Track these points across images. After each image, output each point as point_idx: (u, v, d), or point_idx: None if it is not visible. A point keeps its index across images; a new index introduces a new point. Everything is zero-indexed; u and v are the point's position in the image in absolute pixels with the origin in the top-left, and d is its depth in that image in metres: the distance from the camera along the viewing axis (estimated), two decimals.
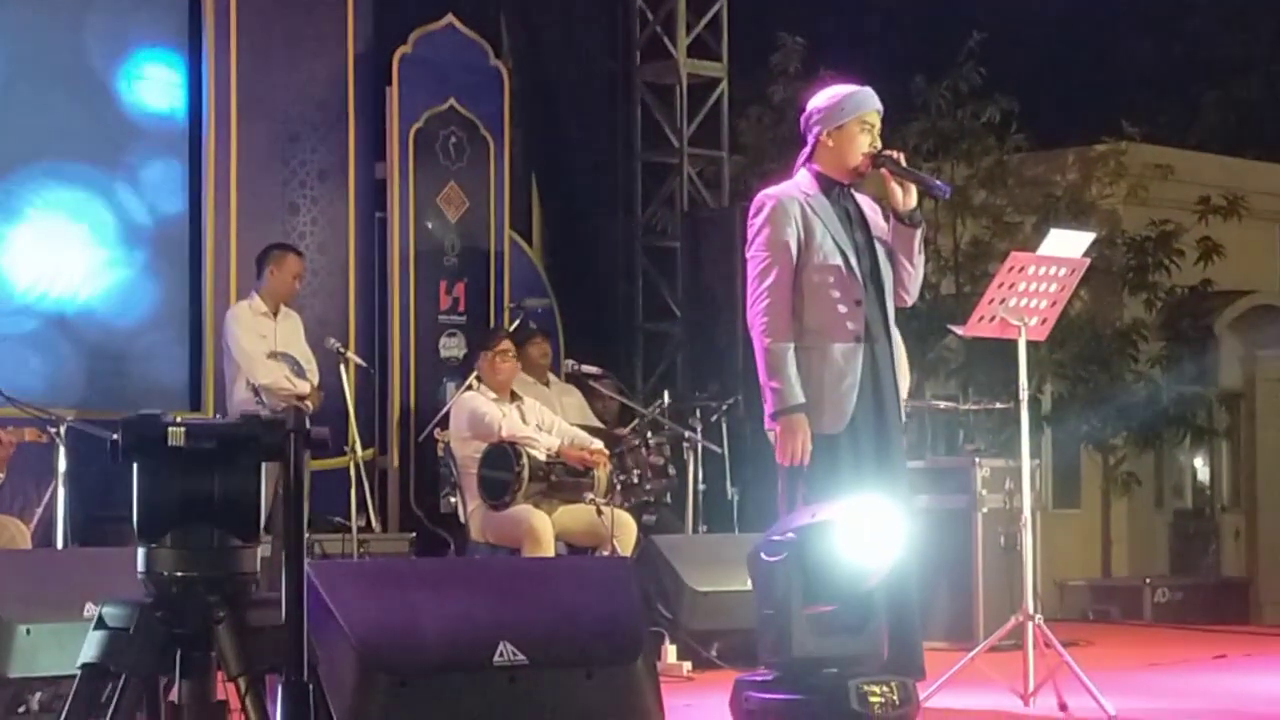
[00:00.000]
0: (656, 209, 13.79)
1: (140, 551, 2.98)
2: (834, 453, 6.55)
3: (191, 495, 2.93)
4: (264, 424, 2.91)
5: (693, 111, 13.74)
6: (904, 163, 6.72)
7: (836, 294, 6.60)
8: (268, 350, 10.26)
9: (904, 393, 9.52)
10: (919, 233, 6.73)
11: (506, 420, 9.78)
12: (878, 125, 6.77)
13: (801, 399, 6.53)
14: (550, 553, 9.36)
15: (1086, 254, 7.43)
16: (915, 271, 6.75)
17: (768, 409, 6.62)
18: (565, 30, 13.46)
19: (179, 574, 2.96)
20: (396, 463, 12.00)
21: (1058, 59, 22.05)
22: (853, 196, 6.82)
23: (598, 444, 10.02)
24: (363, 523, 10.34)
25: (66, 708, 2.94)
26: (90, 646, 2.98)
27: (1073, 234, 7.59)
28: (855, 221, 6.74)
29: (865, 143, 6.71)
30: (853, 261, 6.63)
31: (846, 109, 6.72)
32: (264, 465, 3.01)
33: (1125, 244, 15.48)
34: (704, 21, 13.76)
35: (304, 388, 10.24)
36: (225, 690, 3.02)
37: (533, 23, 13.17)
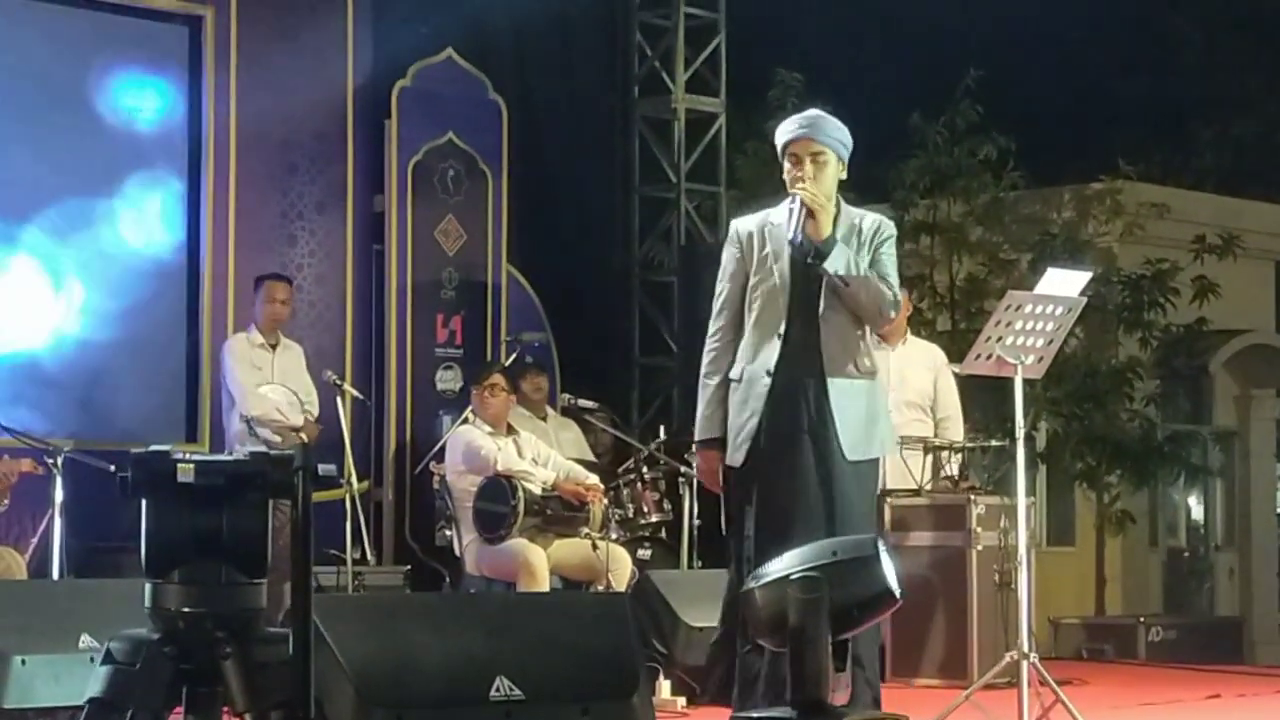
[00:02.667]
0: (654, 244, 13.83)
1: (147, 587, 2.99)
2: (744, 485, 6.62)
3: (200, 531, 2.94)
4: (272, 461, 2.92)
5: (690, 146, 13.78)
6: (798, 208, 6.56)
7: (764, 323, 6.60)
8: (261, 382, 10.27)
9: (919, 430, 9.48)
10: (832, 268, 6.62)
11: (501, 454, 9.78)
12: (805, 152, 6.60)
13: (709, 434, 6.68)
14: (545, 587, 9.35)
15: (1083, 293, 7.45)
16: (866, 304, 6.58)
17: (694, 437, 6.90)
18: (564, 65, 13.49)
19: (186, 610, 2.96)
20: (392, 495, 11.99)
21: (1055, 97, 22.12)
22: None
23: (593, 479, 10.02)
24: (358, 555, 10.33)
25: None
26: (97, 681, 2.97)
27: (1070, 273, 7.60)
28: (809, 250, 6.62)
29: (792, 171, 6.67)
30: (787, 290, 6.58)
31: (779, 140, 6.74)
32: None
33: (1121, 282, 15.52)
34: (702, 57, 13.82)
35: (296, 420, 10.24)
36: None
37: (531, 57, 13.20)
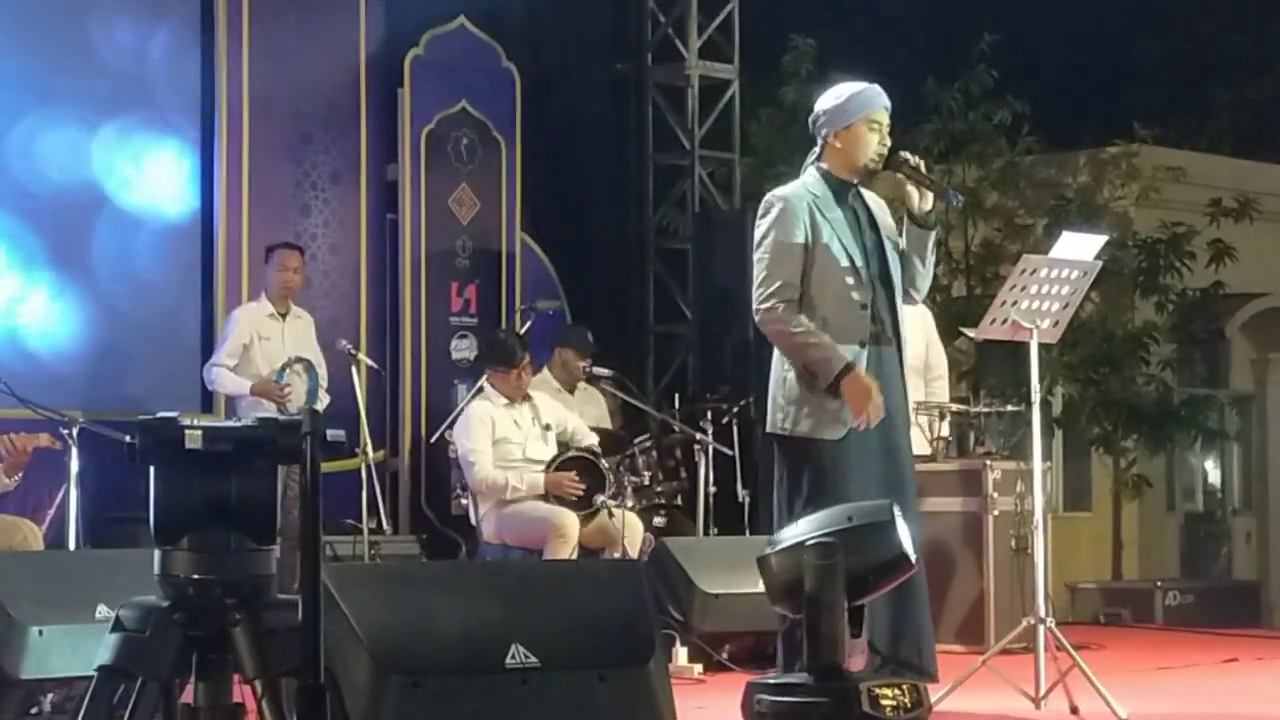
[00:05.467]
0: (668, 210, 13.81)
1: (157, 554, 2.98)
2: (836, 457, 6.53)
3: (209, 498, 2.93)
4: (281, 426, 2.91)
5: (704, 113, 13.75)
6: (922, 168, 6.73)
7: (844, 297, 6.58)
8: (268, 352, 10.29)
9: (935, 393, 9.51)
10: (933, 235, 6.77)
11: (481, 463, 9.60)
12: (886, 123, 6.73)
13: (845, 359, 6.50)
14: (574, 551, 9.33)
15: (1098, 257, 7.42)
16: (926, 271, 6.79)
17: (821, 385, 6.52)
18: (577, 32, 13.47)
19: (196, 576, 2.95)
20: (408, 465, 12.00)
21: (1069, 61, 22.05)
22: (861, 196, 6.81)
23: (592, 438, 9.93)
24: (373, 524, 10.35)
25: (84, 710, 2.94)
26: (107, 649, 2.97)
27: (1085, 237, 7.58)
28: (865, 222, 6.72)
29: (874, 142, 6.69)
30: (859, 264, 6.60)
31: (853, 109, 6.69)
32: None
33: (1136, 246, 15.49)
34: (715, 23, 13.78)
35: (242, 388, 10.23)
36: (241, 693, 3.02)
37: (544, 24, 13.18)
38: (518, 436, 9.73)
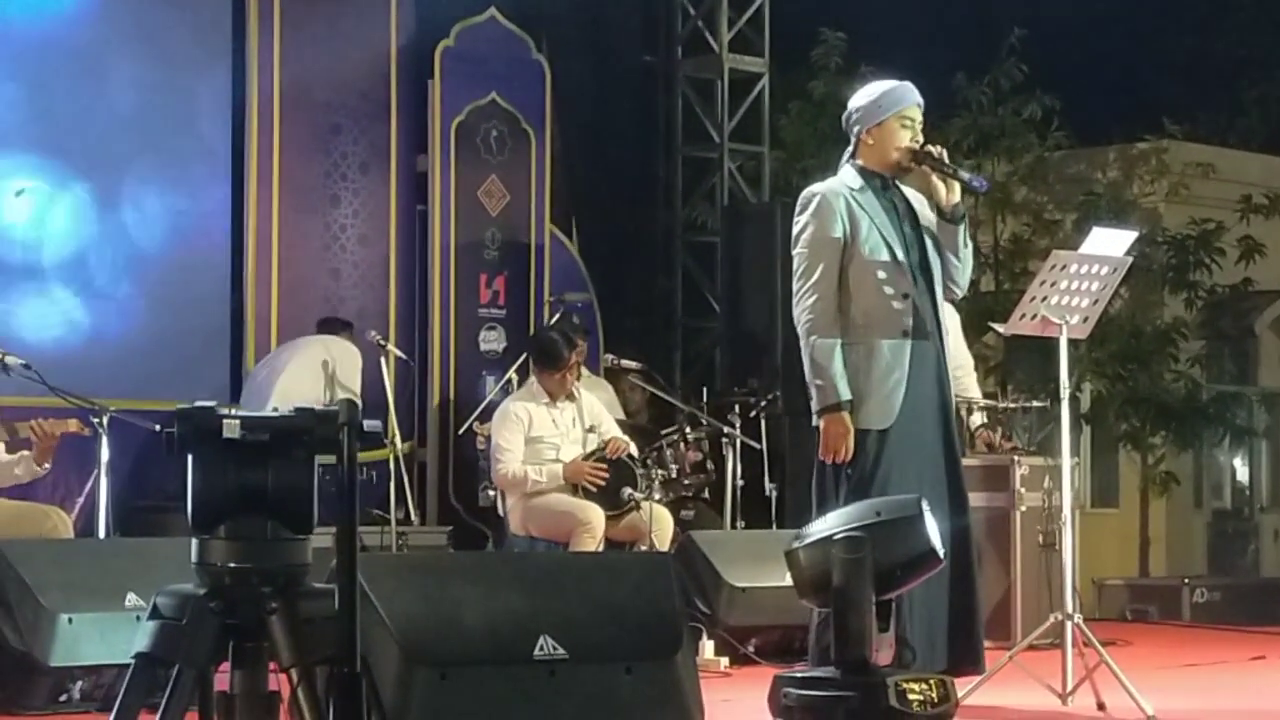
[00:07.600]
0: (697, 204, 13.81)
1: (194, 542, 3.00)
2: (882, 448, 6.56)
3: (246, 487, 2.95)
4: (317, 417, 2.92)
5: (734, 106, 13.75)
6: (945, 158, 6.76)
7: (885, 288, 6.61)
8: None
9: (965, 388, 9.52)
10: (962, 228, 6.77)
11: (506, 460, 9.55)
12: (918, 120, 6.78)
13: (846, 396, 6.54)
14: (600, 544, 9.31)
15: (1128, 253, 7.41)
16: (963, 265, 6.80)
17: (813, 406, 6.63)
18: (607, 25, 13.47)
19: (232, 565, 2.97)
20: (435, 456, 12.02)
21: (1099, 56, 21.97)
22: (899, 189, 6.85)
23: (621, 437, 9.88)
24: (401, 515, 10.36)
25: (121, 697, 2.95)
26: (144, 636, 2.99)
27: (1115, 232, 7.57)
28: (903, 214, 6.76)
29: (906, 138, 6.75)
30: (900, 255, 6.64)
31: (885, 105, 6.75)
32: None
33: (1166, 242, 15.46)
34: (746, 16, 13.78)
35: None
36: (277, 681, 3.04)
37: (574, 17, 13.19)
38: (554, 435, 9.65)
